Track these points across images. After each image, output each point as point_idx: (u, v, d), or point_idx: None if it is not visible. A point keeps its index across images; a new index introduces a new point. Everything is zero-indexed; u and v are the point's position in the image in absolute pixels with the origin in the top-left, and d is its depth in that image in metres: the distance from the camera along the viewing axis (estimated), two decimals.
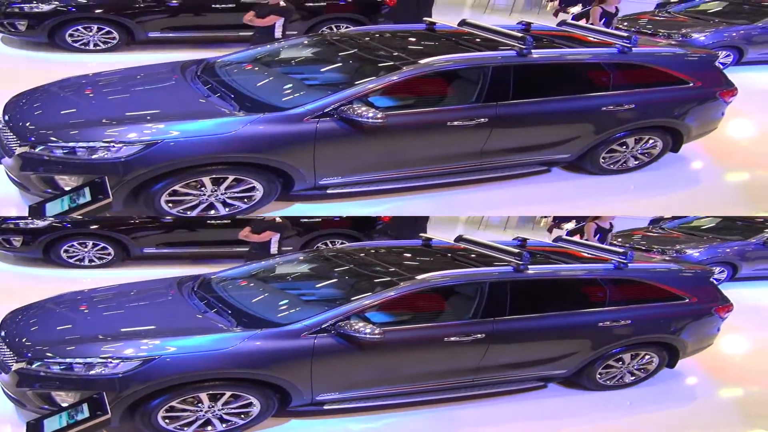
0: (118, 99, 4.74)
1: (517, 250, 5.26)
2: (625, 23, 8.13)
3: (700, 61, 5.76)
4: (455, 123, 4.94)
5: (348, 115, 4.61)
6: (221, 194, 4.69)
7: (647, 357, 5.74)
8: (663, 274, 5.79)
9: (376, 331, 4.47)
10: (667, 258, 7.70)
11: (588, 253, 5.86)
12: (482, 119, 5.00)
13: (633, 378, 5.80)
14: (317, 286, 5.26)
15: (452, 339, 4.82)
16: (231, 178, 4.62)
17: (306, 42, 5.49)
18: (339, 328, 4.51)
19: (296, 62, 5.27)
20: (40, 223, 6.93)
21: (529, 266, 5.10)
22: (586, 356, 5.42)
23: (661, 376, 5.95)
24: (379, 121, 4.61)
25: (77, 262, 7.29)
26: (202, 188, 4.62)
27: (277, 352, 4.42)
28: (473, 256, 5.44)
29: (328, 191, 4.99)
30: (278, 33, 6.81)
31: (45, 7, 6.96)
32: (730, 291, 8.33)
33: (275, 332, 4.45)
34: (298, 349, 4.47)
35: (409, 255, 5.67)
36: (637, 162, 5.89)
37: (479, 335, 4.90)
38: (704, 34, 7.72)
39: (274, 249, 6.67)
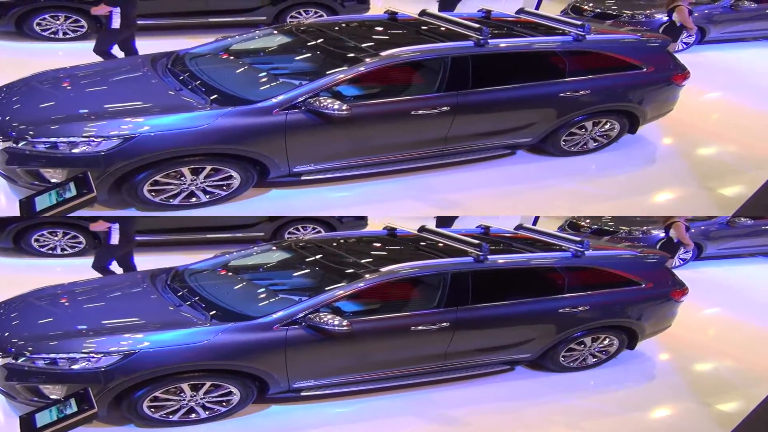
0: (94, 93, 5.28)
1: (477, 241, 5.89)
2: (591, 3, 8.76)
3: (653, 47, 6.43)
4: (419, 112, 5.55)
5: (315, 107, 5.19)
6: (201, 183, 5.27)
7: (607, 340, 6.45)
8: (619, 260, 6.52)
9: (344, 323, 5.04)
10: (627, 244, 8.44)
11: (548, 241, 6.54)
12: (444, 107, 5.62)
13: (595, 360, 6.52)
14: (288, 277, 5.86)
15: (419, 328, 5.46)
16: (208, 168, 5.20)
17: (273, 33, 6.07)
18: (309, 320, 5.07)
19: (264, 54, 5.84)
20: (6, 213, 7.43)
21: (489, 256, 5.73)
22: (548, 341, 6.11)
23: (623, 357, 6.73)
24: (345, 112, 5.20)
25: (49, 251, 7.84)
26: (182, 178, 5.19)
27: (251, 344, 4.97)
28: (435, 245, 6.08)
29: (303, 177, 5.60)
30: (115, 23, 6.84)
31: None
32: (695, 270, 9.19)
33: (248, 325, 5.00)
34: (271, 341, 5.03)
35: (375, 245, 6.32)
36: (596, 144, 6.56)
37: (444, 323, 5.54)
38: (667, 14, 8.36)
39: (114, 240, 6.76)
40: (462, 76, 5.63)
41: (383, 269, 5.39)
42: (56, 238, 7.75)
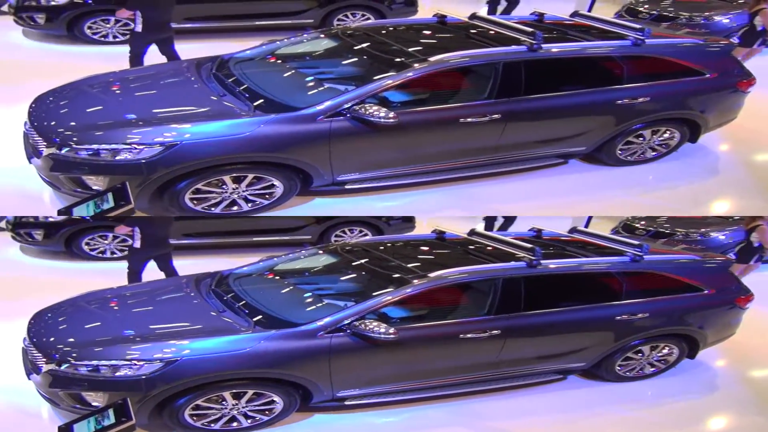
0: (138, 99, 5.13)
1: (529, 245, 5.57)
2: (646, 5, 8.37)
3: (716, 51, 6.01)
4: (468, 119, 5.28)
5: (360, 115, 4.96)
6: (242, 191, 5.09)
7: (666, 349, 6.06)
8: (680, 265, 6.09)
9: (391, 331, 4.80)
10: (686, 247, 7.96)
11: (604, 245, 6.18)
12: (495, 115, 5.32)
13: (653, 369, 6.13)
14: (334, 282, 5.64)
15: (468, 336, 5.17)
16: (251, 176, 5.02)
17: (320, 37, 5.83)
18: (354, 328, 4.84)
19: (310, 58, 5.62)
20: (59, 217, 7.41)
21: (542, 261, 5.42)
22: (604, 349, 5.76)
23: (682, 367, 6.29)
24: (391, 120, 4.96)
25: (99, 255, 7.82)
26: (224, 186, 5.02)
27: (295, 352, 4.78)
28: (486, 250, 5.79)
29: (346, 186, 5.37)
30: (138, 27, 6.60)
31: (62, 0, 7.41)
32: (760, 274, 8.60)
33: (291, 332, 4.80)
34: (315, 349, 4.83)
35: (423, 250, 6.04)
36: (654, 153, 6.19)
37: (495, 331, 5.24)
38: (728, 17, 7.92)
39: (137, 243, 6.47)
40: (514, 82, 5.33)
41: (432, 274, 5.13)
42: (106, 242, 7.72)
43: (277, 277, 5.64)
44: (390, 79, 5.08)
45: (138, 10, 6.51)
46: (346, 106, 4.99)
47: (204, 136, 4.79)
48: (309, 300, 5.26)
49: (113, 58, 6.81)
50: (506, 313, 5.28)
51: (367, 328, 4.81)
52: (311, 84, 5.26)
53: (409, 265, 5.36)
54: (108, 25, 7.51)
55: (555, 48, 5.47)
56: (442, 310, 5.25)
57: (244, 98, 5.10)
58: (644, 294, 5.79)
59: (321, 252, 6.07)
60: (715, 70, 5.94)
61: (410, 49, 5.35)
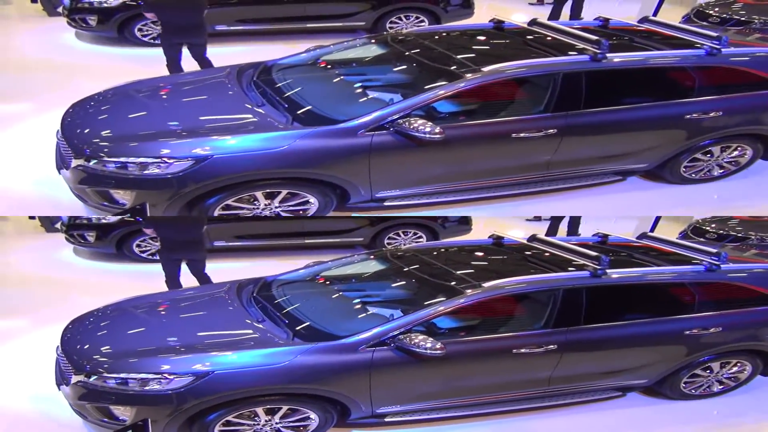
0: (171, 109, 4.58)
1: (595, 253, 4.82)
2: (716, 8, 7.37)
3: None
4: (521, 135, 4.54)
5: (404, 129, 4.30)
6: (275, 208, 4.51)
7: (739, 365, 5.24)
8: (760, 275, 5.19)
9: (437, 346, 4.21)
10: (759, 252, 6.89)
11: (677, 252, 5.35)
12: (551, 130, 4.58)
13: (721, 387, 5.31)
14: (381, 290, 5.03)
15: (522, 351, 4.51)
16: (284, 192, 4.43)
17: (369, 43, 5.18)
18: (398, 341, 4.26)
19: (356, 67, 4.97)
20: (111, 219, 6.99)
21: (608, 270, 4.68)
22: (669, 366, 5.01)
23: (753, 384, 5.44)
24: (437, 136, 4.29)
25: (150, 257, 7.37)
26: (256, 202, 4.44)
27: (333, 367, 4.22)
28: (547, 257, 5.04)
29: (386, 204, 4.71)
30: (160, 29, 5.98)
31: (113, 2, 6.92)
32: None
33: (331, 346, 4.24)
34: (356, 363, 4.25)
35: (479, 256, 5.32)
36: (722, 171, 5.33)
37: (551, 346, 4.56)
38: None
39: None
40: (574, 94, 4.58)
41: (486, 284, 4.45)
42: (157, 243, 7.26)
43: (321, 285, 5.06)
44: (439, 91, 4.41)
45: (154, 12, 5.95)
46: (390, 119, 4.34)
47: (237, 151, 4.21)
48: (352, 310, 4.67)
49: (163, 61, 6.28)
50: (565, 327, 4.59)
51: (413, 343, 4.21)
52: (354, 95, 4.63)
53: (463, 274, 4.70)
54: (158, 27, 6.97)
55: (620, 58, 4.69)
56: (495, 323, 4.60)
57: (282, 109, 4.51)
58: (718, 306, 4.99)
59: (370, 257, 5.46)
60: None
61: (463, 58, 4.66)
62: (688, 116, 4.85)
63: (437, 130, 4.29)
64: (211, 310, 4.76)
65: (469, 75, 4.44)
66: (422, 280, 4.81)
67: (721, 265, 5.01)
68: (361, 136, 4.33)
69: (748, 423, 5.11)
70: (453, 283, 4.58)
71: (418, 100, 4.36)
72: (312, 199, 4.51)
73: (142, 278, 7.01)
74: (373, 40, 5.20)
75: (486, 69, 4.47)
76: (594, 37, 4.68)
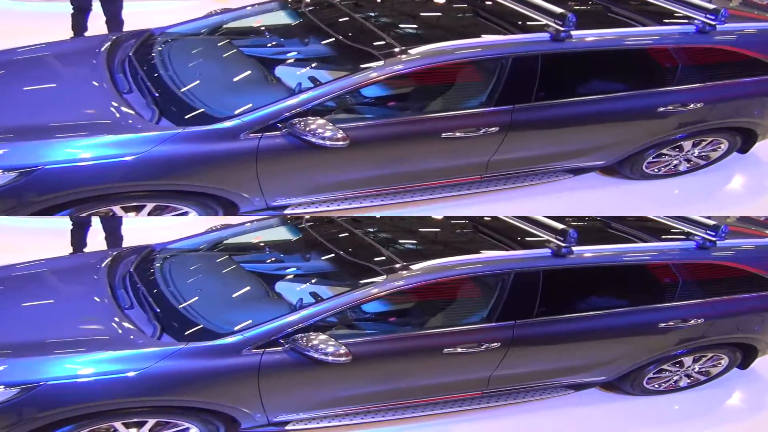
0: (10, 99, 2.97)
1: (561, 227, 3.25)
2: None
3: None
4: (455, 134, 3.06)
5: (298, 133, 2.82)
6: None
7: (714, 358, 3.89)
8: (761, 255, 3.66)
9: (341, 351, 2.88)
10: None
11: (672, 225, 3.69)
12: (492, 128, 3.10)
13: (689, 381, 3.94)
14: (283, 272, 3.48)
15: (455, 350, 3.14)
16: (150, 206, 2.97)
17: (277, 10, 3.46)
18: (293, 342, 2.89)
19: (252, 45, 3.29)
20: None
21: (576, 248, 3.15)
22: (635, 362, 3.61)
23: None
24: (339, 143, 2.83)
25: None
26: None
27: (209, 374, 2.85)
28: (504, 229, 3.46)
29: (286, 212, 3.26)
30: None
31: None
32: None
33: (205, 348, 2.83)
34: (239, 369, 2.88)
35: (418, 228, 3.70)
36: (688, 166, 3.92)
37: (494, 344, 3.18)
38: None
39: None
40: (525, 83, 3.09)
41: (415, 267, 2.99)
42: None
43: (215, 259, 3.53)
44: (348, 80, 2.87)
45: None
46: (283, 117, 2.81)
47: (77, 159, 2.71)
48: (244, 297, 3.20)
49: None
50: (513, 319, 3.17)
51: (310, 346, 2.84)
52: (244, 82, 3.06)
53: (391, 251, 3.19)
54: None
55: (588, 37, 3.12)
56: (423, 315, 3.23)
57: (151, 100, 2.96)
58: (705, 292, 3.53)
59: (282, 225, 3.79)
60: None
61: (388, 35, 3.07)
62: (662, 108, 3.39)
63: (339, 135, 2.82)
64: (66, 293, 3.23)
65: (390, 60, 2.90)
66: (335, 260, 3.31)
67: (718, 242, 3.46)
68: (245, 139, 2.84)
69: (715, 427, 3.81)
70: (374, 264, 3.12)
71: (318, 94, 2.85)
72: (190, 210, 3.08)
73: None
74: (282, 6, 3.48)
75: (414, 52, 2.93)
76: (558, 10, 3.09)
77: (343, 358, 2.86)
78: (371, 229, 3.57)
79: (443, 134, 3.10)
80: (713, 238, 3.44)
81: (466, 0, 3.47)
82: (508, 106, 3.15)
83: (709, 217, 3.77)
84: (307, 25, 3.29)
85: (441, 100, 3.10)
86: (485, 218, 3.57)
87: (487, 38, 3.04)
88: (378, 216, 3.77)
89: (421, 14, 3.36)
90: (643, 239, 3.55)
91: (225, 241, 3.66)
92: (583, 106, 3.28)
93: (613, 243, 3.43)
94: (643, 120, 3.46)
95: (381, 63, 2.88)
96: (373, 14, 3.31)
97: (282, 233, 3.73)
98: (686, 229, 3.59)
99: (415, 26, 3.24)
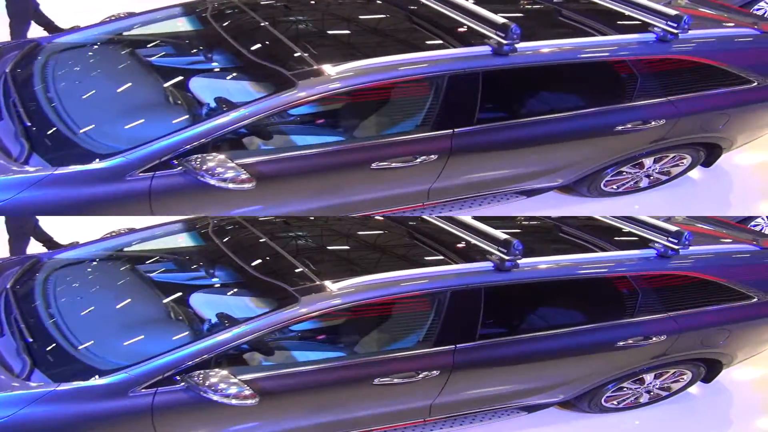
0: None
1: (503, 236, 2.76)
2: None
3: None
4: (387, 164, 2.63)
5: (194, 171, 2.32)
6: None
7: (677, 373, 3.50)
8: (726, 263, 3.29)
9: (245, 393, 2.38)
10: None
11: (632, 231, 3.25)
12: (431, 156, 2.67)
13: (650, 397, 3.57)
14: (183, 294, 2.76)
15: (386, 381, 2.70)
16: None
17: (173, 20, 2.89)
18: (190, 380, 2.36)
19: (142, 62, 2.73)
20: None
21: (522, 261, 2.72)
22: (591, 383, 3.22)
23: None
24: (244, 185, 2.35)
25: None
26: None
27: (89, 421, 2.31)
28: (442, 238, 2.96)
29: None
30: None
31: None
32: None
33: (84, 390, 2.29)
34: (127, 413, 2.35)
35: (345, 234, 3.16)
36: (650, 181, 3.55)
37: (432, 371, 2.76)
38: None
39: None
40: (465, 104, 2.64)
41: (333, 287, 2.50)
42: None
43: (102, 275, 2.92)
44: (251, 110, 2.36)
45: None
46: (177, 153, 2.33)
47: None
48: (135, 323, 2.61)
49: None
50: (453, 344, 2.74)
51: (208, 385, 2.33)
52: (134, 108, 2.51)
53: (310, 265, 2.67)
54: None
55: (537, 49, 2.68)
56: (347, 343, 2.75)
57: (22, 130, 2.41)
58: (667, 306, 3.12)
59: (186, 231, 3.14)
60: (765, 74, 3.15)
61: (304, 49, 2.56)
62: (620, 127, 2.99)
63: (243, 176, 2.34)
64: None
65: (305, 82, 2.40)
66: (248, 276, 2.71)
67: (681, 250, 3.06)
68: (132, 179, 2.34)
69: None
70: (288, 282, 2.57)
71: (219, 124, 2.33)
72: None
73: None
74: (191, 10, 2.90)
75: (332, 72, 2.44)
76: (500, 20, 2.63)
77: (249, 401, 2.37)
78: (290, 235, 3.00)
79: (373, 165, 2.66)
80: (675, 246, 3.01)
81: (400, 5, 2.98)
82: (446, 131, 2.70)
83: (666, 219, 3.38)
84: (211, 37, 2.73)
85: (367, 126, 2.59)
86: (422, 224, 3.05)
87: (418, 55, 2.55)
88: (302, 218, 3.10)
89: (347, 24, 2.83)
90: (598, 246, 3.10)
91: (123, 251, 3.04)
92: (532, 127, 2.83)
93: (565, 253, 2.98)
94: (599, 140, 3.01)
95: (293, 88, 2.39)
96: (288, 23, 2.77)
97: (187, 242, 3.10)
98: (644, 235, 3.14)
99: (337, 38, 2.73)
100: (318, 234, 3.08)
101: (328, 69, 2.44)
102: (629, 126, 3.02)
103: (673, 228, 3.12)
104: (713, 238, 3.61)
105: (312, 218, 3.15)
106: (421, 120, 2.65)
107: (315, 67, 2.46)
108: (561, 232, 3.30)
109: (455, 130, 2.69)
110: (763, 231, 4.41)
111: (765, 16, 4.54)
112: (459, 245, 2.84)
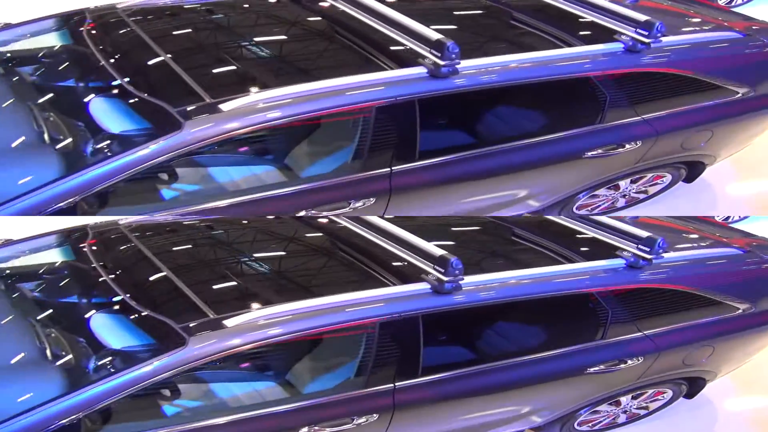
0: None
1: (439, 252, 2.20)
2: None
3: (761, 51, 2.73)
4: (315, 214, 2.15)
5: None
6: None
7: (656, 392, 3.06)
8: (706, 271, 2.79)
9: None
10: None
11: (599, 236, 2.74)
12: (369, 199, 2.20)
13: (627, 417, 3.10)
14: (32, 333, 2.08)
15: (316, 430, 2.14)
16: None
17: (43, 34, 2.33)
18: None
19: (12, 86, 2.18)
20: None
21: (464, 281, 2.19)
22: (558, 412, 2.74)
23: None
24: None
25: None
26: None
27: None
28: (371, 253, 2.38)
29: None
30: None
31: None
32: None
33: None
34: None
35: (250, 252, 2.49)
36: (626, 200, 3.11)
37: (371, 415, 2.21)
38: None
39: None
40: (401, 138, 2.15)
41: (234, 322, 1.93)
42: None
43: None
44: (117, 165, 1.82)
45: None
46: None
47: None
48: None
49: None
50: (391, 382, 2.23)
51: None
52: None
53: (204, 293, 2.06)
54: None
55: (483, 68, 2.19)
56: (259, 389, 2.14)
57: None
58: (642, 324, 2.64)
59: (61, 245, 2.49)
60: (751, 83, 2.72)
61: (194, 81, 2.01)
62: (590, 153, 2.55)
63: None
64: None
65: (194, 121, 1.88)
66: (122, 308, 2.05)
67: (654, 259, 2.55)
68: None
69: None
70: (173, 317, 1.96)
71: (84, 181, 1.80)
72: None
73: None
74: (66, 23, 2.35)
75: (231, 107, 1.94)
76: (435, 36, 2.11)
77: None
78: (183, 247, 2.34)
79: (301, 213, 2.20)
80: (648, 255, 2.51)
81: (324, 16, 2.44)
82: (383, 170, 2.26)
83: (633, 220, 2.85)
84: (83, 61, 2.16)
85: (284, 171, 2.08)
86: (345, 234, 2.46)
87: (339, 82, 2.03)
88: (198, 225, 2.44)
89: (253, 42, 2.26)
90: (556, 254, 2.60)
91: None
92: (485, 159, 2.33)
93: (518, 264, 2.48)
94: (565, 167, 2.55)
95: (179, 130, 1.90)
96: (180, 42, 2.20)
97: (56, 259, 2.44)
98: (610, 241, 2.62)
99: (241, 62, 2.16)
100: (217, 245, 2.43)
101: (227, 104, 1.93)
102: (600, 151, 2.56)
103: (643, 234, 2.58)
104: (690, 239, 3.10)
105: (211, 223, 2.46)
106: (350, 160, 2.16)
107: (208, 101, 1.94)
108: (513, 236, 2.75)
109: (393, 168, 2.24)
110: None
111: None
112: (388, 262, 2.27)
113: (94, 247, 2.35)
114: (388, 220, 2.40)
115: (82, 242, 2.39)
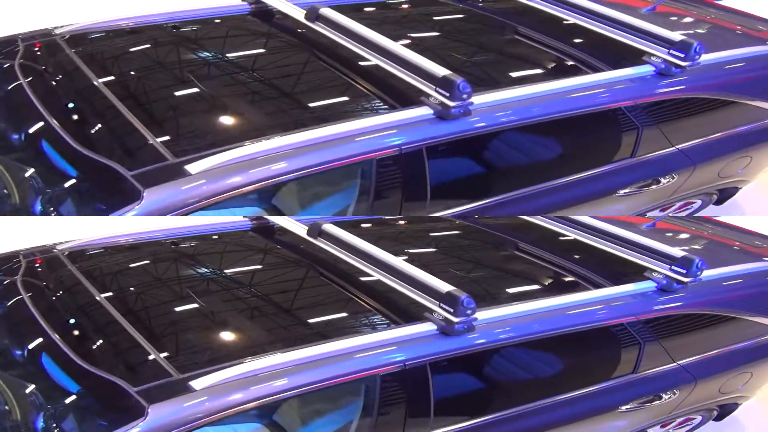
0: None
1: (446, 288, 1.74)
2: None
3: None
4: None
5: None
6: None
7: (684, 420, 2.70)
8: (747, 291, 2.40)
9: None
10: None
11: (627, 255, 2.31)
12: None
13: None
14: None
15: None
16: None
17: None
18: None
19: None
20: None
21: (477, 320, 1.75)
22: None
23: None
24: None
25: None
26: None
27: None
28: (366, 288, 1.94)
29: None
30: None
31: None
32: None
33: None
34: None
35: (219, 288, 1.94)
36: None
37: None
38: None
39: None
40: (412, 191, 1.77)
41: (197, 385, 1.44)
42: None
43: None
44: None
45: None
46: None
47: None
48: None
49: None
50: None
51: None
52: None
53: (167, 346, 1.59)
54: None
55: (498, 105, 1.81)
56: None
57: None
58: (677, 353, 2.27)
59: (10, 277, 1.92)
60: None
61: (151, 131, 1.59)
62: (623, 191, 2.19)
63: None
64: None
65: (149, 192, 1.47)
66: (64, 365, 1.54)
67: (689, 282, 2.14)
68: None
69: None
70: (128, 378, 1.46)
71: None
72: None
73: None
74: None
75: (200, 169, 1.50)
76: (441, 72, 1.72)
77: None
78: (141, 281, 1.85)
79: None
80: (684, 279, 2.12)
81: (310, 42, 2.01)
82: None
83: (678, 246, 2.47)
84: (14, 104, 1.69)
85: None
86: (336, 265, 2.01)
87: (333, 130, 1.64)
88: (155, 249, 1.98)
89: (222, 78, 1.83)
90: (576, 276, 2.21)
91: None
92: (509, 206, 2.08)
93: (534, 296, 2.05)
94: (597, 205, 2.15)
95: (137, 201, 1.49)
96: (137, 81, 1.75)
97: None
98: (636, 261, 2.22)
99: (212, 108, 1.75)
100: (182, 279, 1.93)
101: (194, 166, 1.53)
102: (633, 189, 2.24)
103: (677, 253, 2.18)
104: (721, 249, 2.71)
105: (175, 246, 1.98)
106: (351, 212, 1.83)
107: (171, 161, 1.54)
108: (519, 251, 2.34)
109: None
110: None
111: None
112: (384, 298, 1.85)
113: (26, 282, 1.80)
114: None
115: (11, 275, 1.85)
